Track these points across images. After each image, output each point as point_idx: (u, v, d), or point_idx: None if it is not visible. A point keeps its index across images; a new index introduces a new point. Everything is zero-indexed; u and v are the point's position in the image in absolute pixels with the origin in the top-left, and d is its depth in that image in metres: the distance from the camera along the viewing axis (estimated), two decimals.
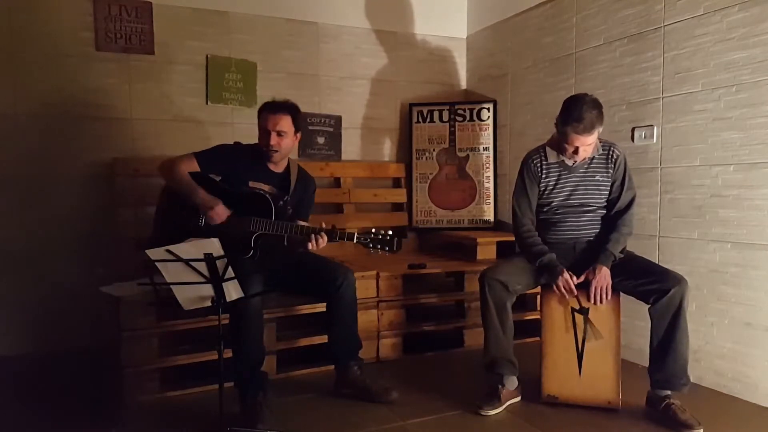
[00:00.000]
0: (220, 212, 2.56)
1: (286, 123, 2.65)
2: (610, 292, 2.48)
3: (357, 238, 2.52)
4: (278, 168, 2.76)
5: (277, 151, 2.66)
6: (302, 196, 2.83)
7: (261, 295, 2.44)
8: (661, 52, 2.96)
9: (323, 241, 2.54)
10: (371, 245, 2.54)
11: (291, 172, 2.80)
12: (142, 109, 3.55)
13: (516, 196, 2.70)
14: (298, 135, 2.75)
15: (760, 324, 2.60)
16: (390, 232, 2.55)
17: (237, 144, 2.80)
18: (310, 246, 2.54)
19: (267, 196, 2.63)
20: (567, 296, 2.51)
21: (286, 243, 2.71)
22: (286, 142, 2.67)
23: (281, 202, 2.69)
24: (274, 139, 2.63)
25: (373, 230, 2.55)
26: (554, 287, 2.52)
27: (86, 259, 3.37)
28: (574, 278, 2.50)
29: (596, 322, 2.53)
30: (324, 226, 2.56)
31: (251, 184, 2.69)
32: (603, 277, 2.47)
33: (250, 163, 2.71)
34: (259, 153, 2.71)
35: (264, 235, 2.59)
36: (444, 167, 4.19)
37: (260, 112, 2.70)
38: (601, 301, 2.47)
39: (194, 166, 2.64)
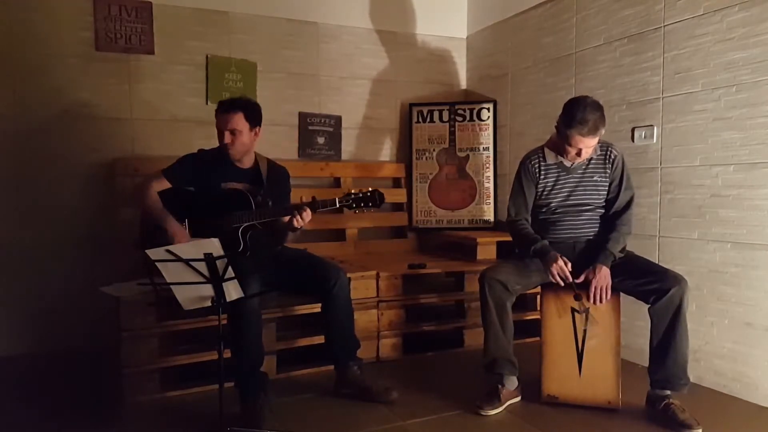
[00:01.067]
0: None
1: (238, 121, 2.64)
2: (609, 292, 2.48)
3: (339, 201, 2.54)
4: (246, 164, 2.76)
5: (232, 150, 2.66)
6: (278, 186, 2.83)
7: (260, 295, 2.44)
8: (661, 52, 2.96)
9: (307, 214, 2.52)
10: (354, 205, 2.55)
11: (260, 166, 2.80)
12: (142, 109, 3.55)
13: (512, 197, 2.71)
14: (258, 129, 2.73)
15: (760, 324, 2.60)
16: (370, 189, 2.56)
17: (201, 151, 2.80)
18: (295, 222, 2.52)
19: (244, 191, 2.64)
20: (562, 283, 2.50)
21: (273, 232, 2.71)
22: (241, 140, 2.66)
23: (258, 196, 2.69)
24: (227, 138, 2.64)
25: (353, 191, 2.57)
26: (548, 274, 2.51)
27: (86, 259, 3.37)
28: (569, 264, 2.50)
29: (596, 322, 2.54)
30: (303, 200, 2.56)
31: (224, 185, 2.69)
32: (603, 277, 2.47)
33: (217, 166, 2.72)
34: (225, 154, 2.72)
35: (251, 228, 2.59)
36: (444, 167, 4.19)
37: (216, 111, 2.70)
38: (601, 302, 2.48)
39: (165, 184, 2.66)
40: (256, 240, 2.63)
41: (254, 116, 2.70)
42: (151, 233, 2.65)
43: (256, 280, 2.46)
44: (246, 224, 2.59)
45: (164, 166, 2.74)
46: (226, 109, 2.66)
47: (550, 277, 2.51)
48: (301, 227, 2.58)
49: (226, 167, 2.72)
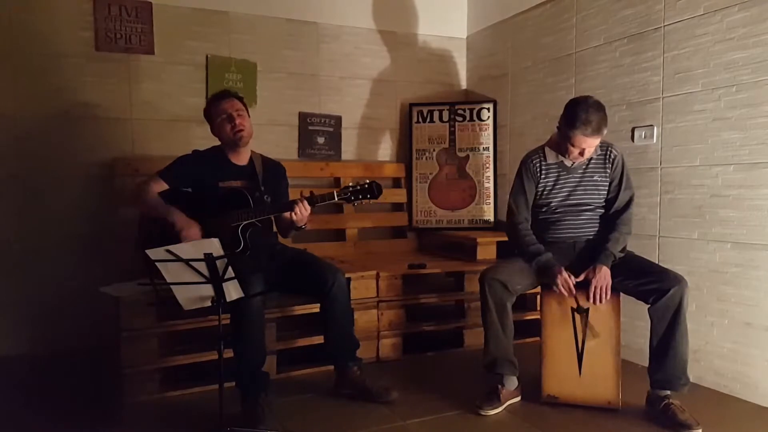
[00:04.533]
0: (193, 235, 2.53)
1: (240, 105, 2.70)
2: (609, 292, 2.49)
3: (337, 195, 2.53)
4: (242, 160, 2.77)
5: (243, 130, 2.67)
6: (275, 182, 2.83)
7: (261, 294, 2.44)
8: (661, 52, 2.96)
9: (305, 208, 2.52)
10: (353, 198, 2.54)
11: (255, 163, 2.80)
12: (142, 109, 3.55)
13: (513, 195, 2.71)
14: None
15: (760, 324, 2.60)
16: (367, 181, 2.55)
17: (195, 152, 2.80)
18: (294, 216, 2.52)
19: (242, 190, 2.64)
20: (567, 295, 2.52)
21: (275, 229, 2.70)
22: (248, 123, 2.70)
23: (257, 193, 2.69)
24: (238, 120, 2.65)
25: (351, 183, 2.56)
26: (553, 287, 2.52)
27: (86, 259, 3.37)
28: (573, 278, 2.51)
29: (596, 322, 2.53)
30: (302, 195, 2.55)
31: (222, 185, 2.69)
32: (603, 276, 2.47)
33: (213, 165, 2.71)
34: (220, 153, 2.72)
35: (251, 226, 2.59)
36: (444, 167, 4.19)
37: (212, 104, 2.73)
38: (600, 301, 2.48)
39: (162, 185, 2.64)
40: (255, 238, 2.62)
41: (246, 105, 2.77)
42: (150, 234, 2.64)
43: (258, 280, 2.45)
44: (245, 222, 2.57)
45: (161, 168, 2.72)
46: (224, 95, 2.71)
47: (555, 289, 2.52)
48: (304, 224, 2.58)
49: (223, 166, 2.72)
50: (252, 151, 2.82)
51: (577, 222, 2.63)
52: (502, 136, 4.11)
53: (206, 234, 2.50)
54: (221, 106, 2.67)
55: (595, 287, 2.47)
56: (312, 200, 2.53)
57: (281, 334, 2.94)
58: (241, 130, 2.66)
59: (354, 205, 2.57)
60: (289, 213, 2.54)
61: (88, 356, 3.17)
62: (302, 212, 2.52)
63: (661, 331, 2.42)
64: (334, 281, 2.64)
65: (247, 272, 2.37)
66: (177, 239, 2.50)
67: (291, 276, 2.70)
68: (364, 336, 2.93)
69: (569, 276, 2.50)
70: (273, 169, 2.86)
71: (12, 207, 3.28)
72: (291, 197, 2.84)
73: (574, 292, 2.50)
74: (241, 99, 2.75)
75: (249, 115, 2.75)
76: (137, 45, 3.51)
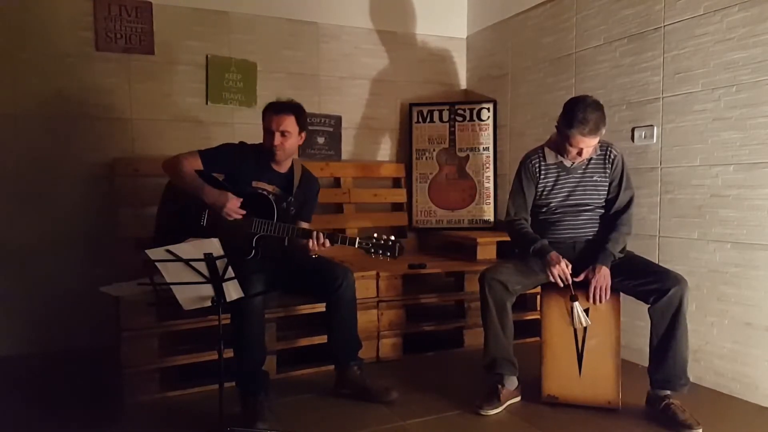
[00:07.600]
0: (234, 206, 2.54)
1: (290, 123, 2.65)
2: (609, 292, 2.49)
3: (359, 243, 2.53)
4: (282, 168, 2.76)
5: (281, 151, 2.66)
6: (306, 197, 2.83)
7: (262, 294, 2.44)
8: (661, 52, 2.96)
9: (324, 245, 2.53)
10: (372, 250, 2.54)
11: (295, 173, 2.79)
12: (142, 109, 3.55)
13: (512, 195, 2.71)
14: (303, 135, 2.74)
15: (760, 324, 2.60)
16: (392, 238, 2.54)
17: (242, 144, 2.78)
18: (310, 244, 2.53)
19: (270, 197, 2.63)
20: (561, 284, 2.50)
21: (286, 244, 2.71)
22: (290, 143, 2.67)
23: (284, 203, 2.69)
24: (277, 140, 2.63)
25: (375, 235, 2.55)
26: (548, 274, 2.51)
27: (86, 259, 3.37)
28: (570, 266, 2.50)
29: (596, 322, 2.53)
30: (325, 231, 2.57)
31: (254, 184, 2.68)
32: (602, 276, 2.47)
33: (254, 163, 2.71)
34: (264, 153, 2.71)
35: (265, 237, 2.59)
36: (444, 167, 4.19)
37: (264, 112, 2.70)
38: (600, 301, 2.48)
39: (198, 164, 2.63)
40: (265, 244, 2.62)
41: (303, 121, 2.72)
42: (176, 210, 2.65)
43: (259, 280, 2.45)
44: (262, 234, 2.58)
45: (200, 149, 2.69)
46: (278, 110, 2.65)
47: (550, 278, 2.51)
48: (314, 255, 2.59)
49: (263, 166, 2.71)
50: (295, 159, 2.82)
51: (576, 222, 2.63)
52: (502, 136, 4.11)
53: (221, 230, 2.50)
54: (270, 119, 2.64)
55: (595, 287, 2.47)
56: (333, 239, 2.54)
57: (281, 334, 2.94)
58: (279, 151, 2.65)
59: (371, 256, 2.55)
60: (305, 240, 2.55)
61: (88, 356, 3.17)
62: (318, 247, 2.53)
63: (661, 331, 2.42)
64: (344, 280, 2.65)
65: (248, 272, 2.37)
66: (199, 219, 2.53)
67: (299, 276, 2.70)
68: (364, 336, 2.93)
69: (567, 265, 2.50)
70: (308, 184, 2.85)
71: (12, 206, 3.28)
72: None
73: (570, 281, 2.49)
74: (297, 112, 2.68)
75: (301, 131, 2.70)
76: (137, 45, 3.51)
